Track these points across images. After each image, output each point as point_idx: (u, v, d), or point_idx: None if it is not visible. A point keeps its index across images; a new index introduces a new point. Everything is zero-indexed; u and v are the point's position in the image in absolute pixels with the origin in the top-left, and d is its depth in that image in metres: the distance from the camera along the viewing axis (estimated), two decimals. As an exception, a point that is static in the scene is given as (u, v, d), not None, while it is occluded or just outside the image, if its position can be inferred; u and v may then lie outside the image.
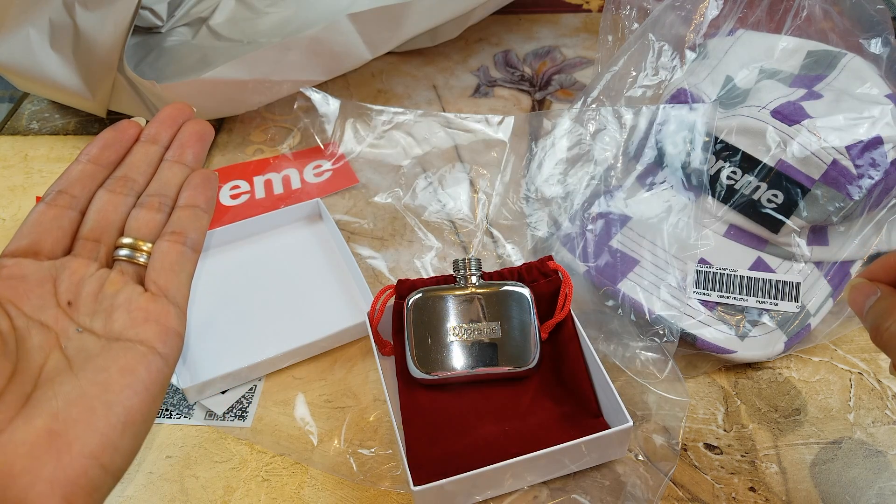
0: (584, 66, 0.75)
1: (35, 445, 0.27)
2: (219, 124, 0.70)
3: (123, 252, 0.34)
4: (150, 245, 0.34)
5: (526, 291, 0.46)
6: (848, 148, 0.47)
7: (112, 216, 0.35)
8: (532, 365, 0.45)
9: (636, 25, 0.59)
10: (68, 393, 0.29)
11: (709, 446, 0.45)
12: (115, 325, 0.31)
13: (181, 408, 0.48)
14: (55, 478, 0.27)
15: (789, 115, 0.49)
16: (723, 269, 0.50)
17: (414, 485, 0.38)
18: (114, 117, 0.70)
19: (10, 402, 0.28)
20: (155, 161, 0.37)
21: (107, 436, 0.28)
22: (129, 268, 0.34)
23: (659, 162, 0.54)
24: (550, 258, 0.47)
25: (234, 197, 0.62)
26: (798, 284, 0.49)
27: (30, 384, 0.29)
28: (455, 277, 0.46)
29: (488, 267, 0.55)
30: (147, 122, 0.38)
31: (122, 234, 0.35)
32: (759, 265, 0.50)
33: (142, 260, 0.34)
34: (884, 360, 0.49)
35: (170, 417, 0.47)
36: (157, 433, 0.46)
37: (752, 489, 0.42)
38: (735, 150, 0.50)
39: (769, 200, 0.49)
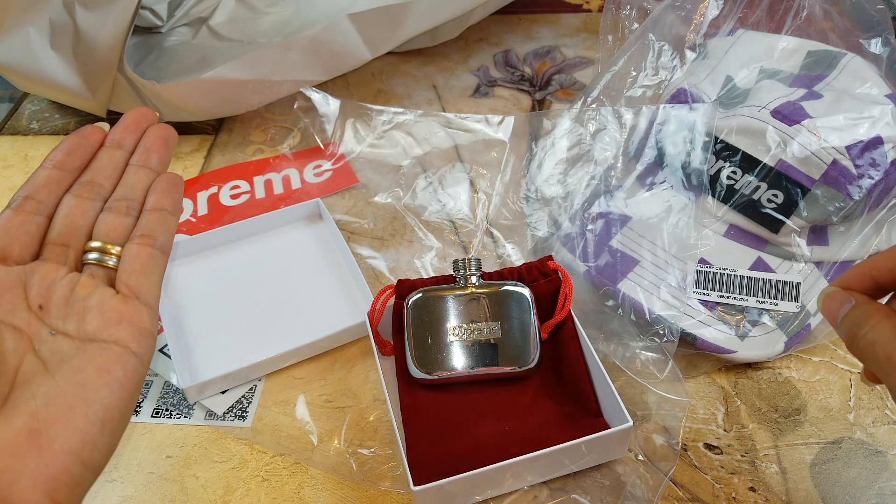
0: (584, 66, 0.75)
1: (16, 444, 0.28)
2: (219, 124, 0.70)
3: (93, 256, 0.34)
4: (118, 248, 0.35)
5: (526, 291, 0.46)
6: (848, 148, 0.47)
7: (80, 221, 0.35)
8: (532, 365, 0.45)
9: (636, 25, 0.59)
10: (46, 393, 0.29)
11: (709, 446, 0.45)
12: (88, 327, 0.32)
13: (181, 408, 0.48)
14: (38, 474, 0.27)
15: (789, 115, 0.49)
16: (723, 269, 0.50)
17: (414, 485, 0.38)
18: (114, 117, 0.70)
19: None
20: (120, 166, 0.37)
21: (86, 433, 0.29)
22: (99, 271, 0.34)
23: (659, 162, 0.54)
24: (550, 258, 0.47)
25: (234, 197, 0.62)
26: (798, 284, 0.49)
27: (6, 386, 0.29)
28: (455, 277, 0.46)
29: (488, 267, 0.55)
30: (111, 127, 0.38)
31: (90, 238, 0.35)
32: (759, 265, 0.50)
33: (111, 263, 0.34)
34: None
35: (170, 417, 0.47)
36: (157, 433, 0.46)
37: (752, 489, 0.42)
38: (735, 150, 0.50)
39: (769, 200, 0.49)
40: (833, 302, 0.32)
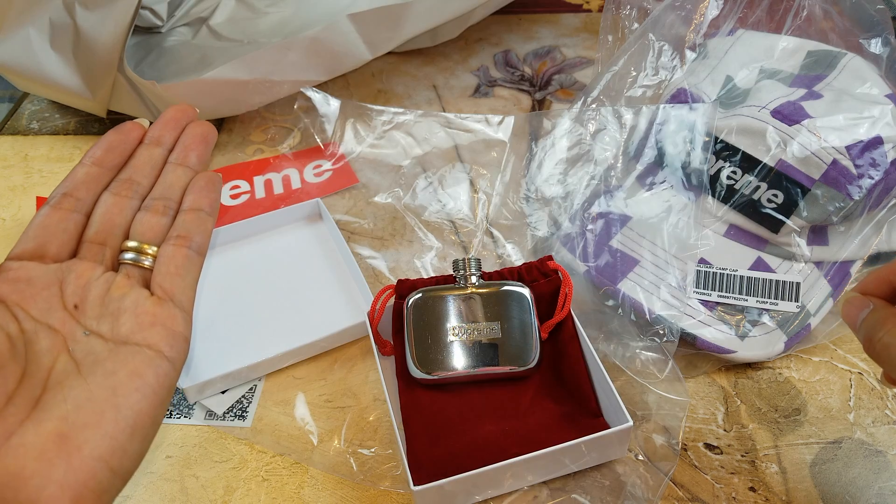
0: (584, 66, 0.76)
1: (45, 448, 0.27)
2: (219, 124, 0.70)
3: (129, 256, 0.34)
4: (155, 249, 0.35)
5: (526, 291, 0.46)
6: (848, 148, 0.47)
7: (117, 219, 0.35)
8: (532, 365, 0.45)
9: (636, 25, 0.59)
10: (77, 396, 0.29)
11: (709, 446, 0.45)
12: (122, 329, 0.32)
13: (181, 408, 0.48)
14: (65, 480, 0.27)
15: (789, 115, 0.49)
16: (723, 269, 0.50)
17: (414, 485, 0.38)
18: (114, 117, 0.70)
19: (20, 405, 0.28)
20: (159, 164, 0.37)
21: (116, 439, 0.29)
22: (135, 271, 0.34)
23: (659, 162, 0.54)
24: (550, 258, 0.47)
25: (234, 197, 0.62)
26: (798, 284, 0.49)
27: (39, 387, 0.29)
28: (455, 277, 0.46)
29: (488, 267, 0.55)
30: (150, 123, 0.38)
31: (127, 237, 0.35)
32: (759, 265, 0.50)
33: (147, 263, 0.34)
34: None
35: (170, 417, 0.47)
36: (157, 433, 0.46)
37: (752, 489, 0.42)
38: (735, 150, 0.50)
39: (769, 200, 0.49)
40: (852, 307, 0.34)
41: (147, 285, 0.34)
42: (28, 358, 0.30)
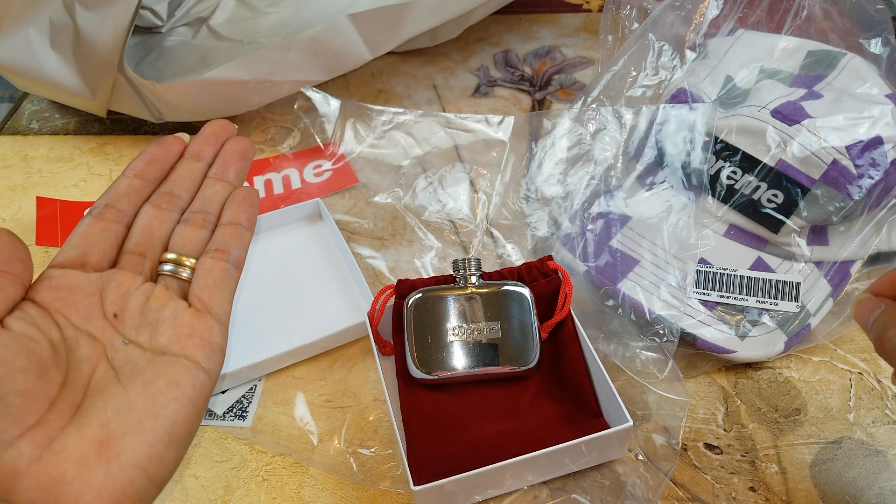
0: (584, 66, 0.76)
1: (86, 454, 0.28)
2: (219, 124, 0.70)
3: (167, 267, 0.35)
4: (193, 261, 0.35)
5: (526, 291, 0.46)
6: (848, 148, 0.47)
7: (157, 231, 0.36)
8: (532, 365, 0.45)
9: (636, 25, 0.59)
10: (117, 404, 0.29)
11: (709, 446, 0.45)
12: (160, 339, 0.32)
13: (181, 408, 0.48)
14: (104, 487, 0.27)
15: (789, 115, 0.49)
16: (723, 269, 0.50)
17: (414, 485, 0.38)
18: (114, 117, 0.70)
19: (62, 411, 0.29)
20: (198, 178, 0.38)
21: (154, 447, 0.29)
22: (173, 283, 0.35)
23: (659, 162, 0.54)
24: (550, 258, 0.47)
25: (234, 197, 0.62)
26: (798, 284, 0.49)
27: (79, 394, 0.30)
28: (455, 277, 0.46)
29: (488, 267, 0.55)
30: (190, 138, 0.39)
31: (166, 249, 0.36)
32: (759, 265, 0.50)
33: (185, 275, 0.35)
34: (885, 363, 0.49)
35: (170, 417, 0.47)
36: (157, 433, 0.46)
37: (752, 489, 0.42)
38: (735, 150, 0.50)
39: (769, 200, 0.49)
40: (864, 307, 0.35)
41: (185, 297, 0.34)
42: (69, 365, 0.30)
